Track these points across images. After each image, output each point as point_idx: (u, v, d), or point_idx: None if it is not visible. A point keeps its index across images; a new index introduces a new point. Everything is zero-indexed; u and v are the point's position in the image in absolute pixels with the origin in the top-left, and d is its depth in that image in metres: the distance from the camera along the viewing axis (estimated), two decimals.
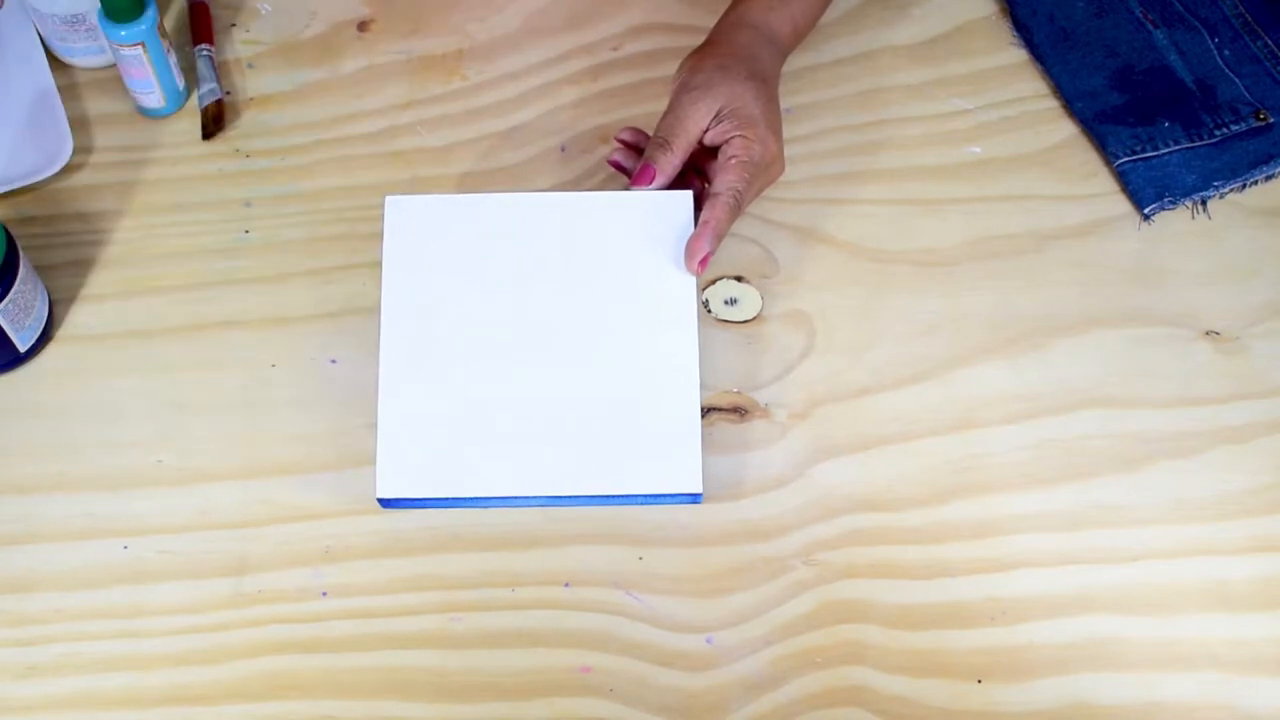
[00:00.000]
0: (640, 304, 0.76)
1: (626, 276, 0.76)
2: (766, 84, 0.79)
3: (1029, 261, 0.84)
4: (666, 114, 0.78)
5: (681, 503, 0.75)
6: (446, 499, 0.74)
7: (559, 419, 0.74)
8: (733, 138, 0.77)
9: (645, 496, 0.74)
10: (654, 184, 0.77)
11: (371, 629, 0.72)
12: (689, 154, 0.78)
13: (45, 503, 0.76)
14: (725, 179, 0.76)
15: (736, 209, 0.77)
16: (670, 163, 0.77)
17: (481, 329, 0.75)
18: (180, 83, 0.87)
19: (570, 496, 0.74)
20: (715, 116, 0.77)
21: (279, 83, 0.89)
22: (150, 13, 0.81)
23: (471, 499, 0.74)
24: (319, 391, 0.79)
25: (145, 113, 0.87)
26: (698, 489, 0.73)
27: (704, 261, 0.75)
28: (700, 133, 0.77)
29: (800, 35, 0.84)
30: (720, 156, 0.77)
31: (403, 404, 0.74)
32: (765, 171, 0.78)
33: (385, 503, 0.74)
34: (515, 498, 0.74)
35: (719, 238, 0.76)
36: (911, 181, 0.86)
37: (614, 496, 0.74)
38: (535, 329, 0.75)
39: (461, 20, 0.92)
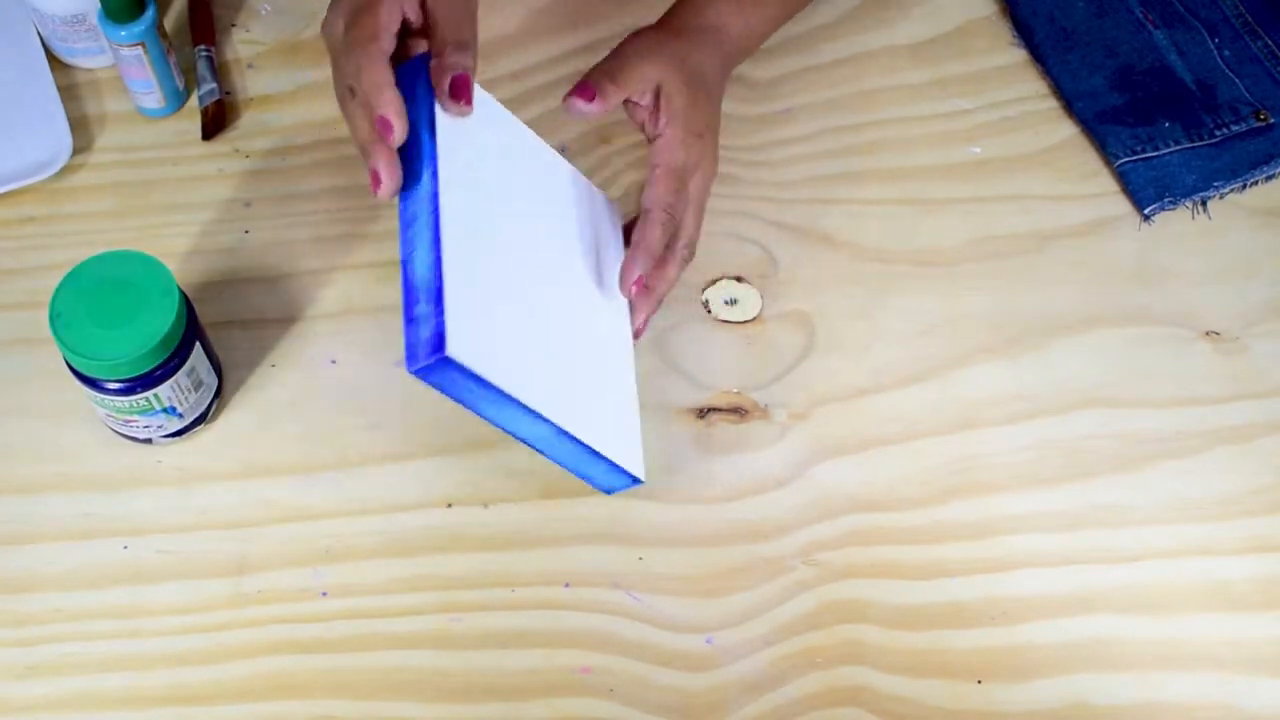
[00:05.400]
0: (608, 293, 0.74)
1: (600, 264, 0.75)
2: (705, 82, 0.77)
3: (1029, 261, 0.84)
4: (612, 57, 0.75)
5: (620, 484, 0.71)
6: (497, 392, 0.65)
7: (575, 359, 0.70)
8: (657, 138, 0.74)
9: (599, 460, 0.70)
10: (593, 106, 0.72)
11: (371, 629, 0.72)
12: (623, 99, 0.74)
13: (45, 503, 0.76)
14: (653, 193, 0.73)
15: (670, 224, 0.73)
16: (614, 97, 0.73)
17: (527, 236, 0.71)
18: (180, 83, 0.87)
19: (560, 435, 0.69)
20: (654, 90, 0.74)
21: (279, 83, 0.89)
22: (150, 13, 0.81)
23: (511, 403, 0.67)
24: (319, 391, 0.79)
25: (145, 113, 0.87)
26: (639, 474, 0.70)
27: (639, 283, 0.72)
28: (637, 93, 0.74)
29: (753, 37, 0.82)
30: (649, 163, 0.74)
31: (468, 273, 0.65)
32: (696, 173, 0.75)
33: (428, 370, 0.63)
34: (534, 416, 0.67)
35: (652, 258, 0.72)
36: (911, 181, 0.86)
37: (582, 447, 0.69)
38: (565, 264, 0.73)
39: None
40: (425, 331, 0.62)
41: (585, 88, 0.72)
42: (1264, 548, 0.75)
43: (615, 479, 0.73)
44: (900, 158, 0.87)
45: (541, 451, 0.70)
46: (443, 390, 0.64)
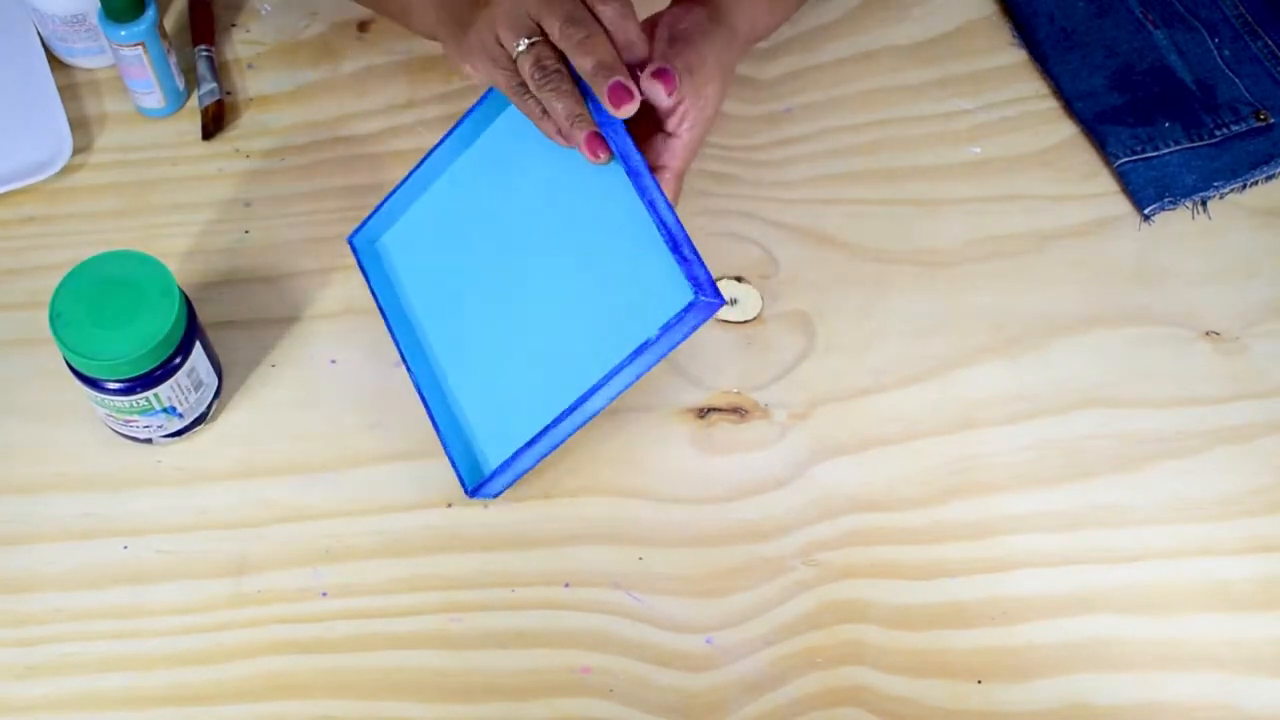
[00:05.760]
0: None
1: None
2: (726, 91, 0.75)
3: (1029, 261, 0.84)
4: (691, 50, 0.71)
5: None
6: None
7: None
8: (673, 139, 0.71)
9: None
10: (671, 100, 0.69)
11: (371, 629, 0.72)
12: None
13: (45, 503, 0.76)
14: (678, 153, 0.71)
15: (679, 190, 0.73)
16: (684, 92, 0.70)
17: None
18: (180, 83, 0.87)
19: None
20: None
21: (279, 83, 0.89)
22: (150, 13, 0.81)
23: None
24: (319, 391, 0.79)
25: (145, 113, 0.87)
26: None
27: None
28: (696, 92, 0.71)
29: (760, 39, 0.81)
30: (658, 159, 0.71)
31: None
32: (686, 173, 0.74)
33: (705, 307, 0.66)
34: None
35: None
36: (911, 181, 0.86)
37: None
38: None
39: None
40: (701, 274, 0.66)
41: (667, 76, 0.68)
42: (1264, 548, 0.75)
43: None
44: (900, 158, 0.87)
45: (554, 424, 0.70)
46: (671, 331, 0.66)
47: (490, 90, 0.75)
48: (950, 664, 0.72)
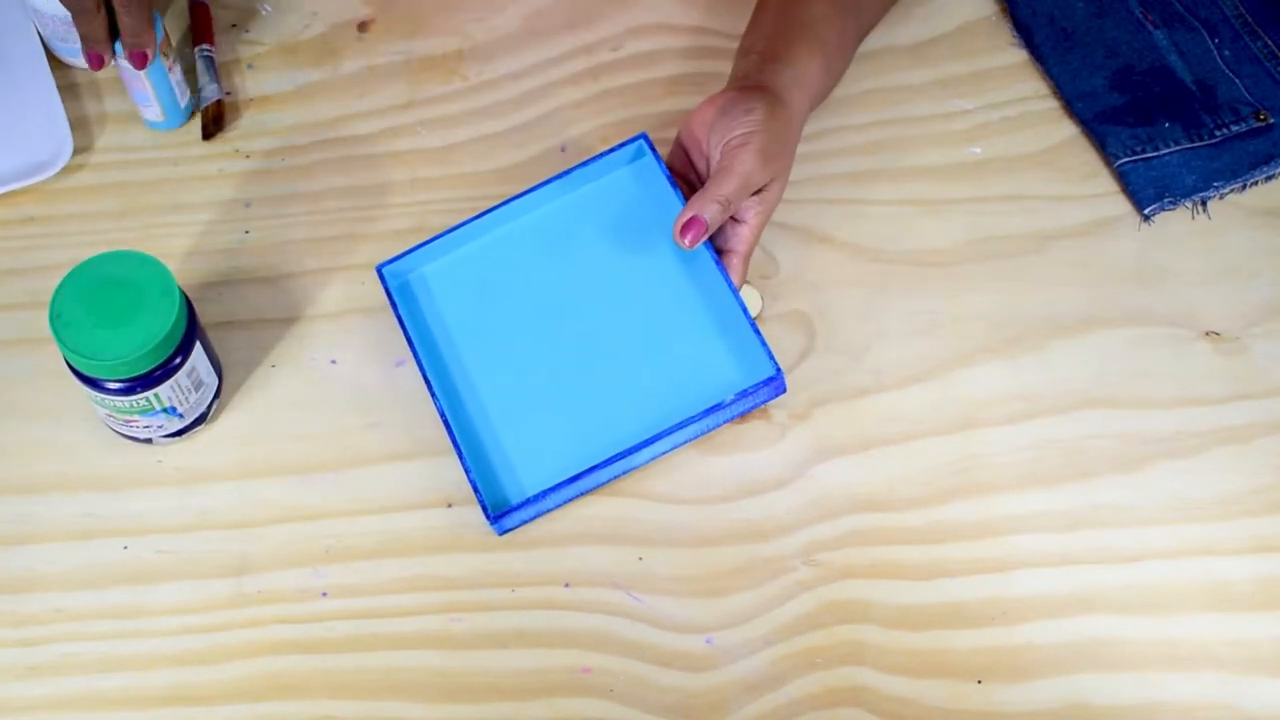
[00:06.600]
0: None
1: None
2: (788, 149, 0.78)
3: (1029, 261, 0.84)
4: (732, 179, 0.74)
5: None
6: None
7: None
8: (741, 225, 0.77)
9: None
10: (701, 240, 0.74)
11: (371, 629, 0.73)
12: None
13: (45, 503, 0.76)
14: (745, 238, 0.76)
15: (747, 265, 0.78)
16: (721, 221, 0.75)
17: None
18: (182, 100, 0.85)
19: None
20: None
21: (279, 83, 0.89)
22: (154, 29, 0.80)
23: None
24: (319, 391, 0.79)
25: (146, 125, 0.87)
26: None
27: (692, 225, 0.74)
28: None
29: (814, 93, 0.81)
30: (742, 209, 0.76)
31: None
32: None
33: (781, 386, 0.75)
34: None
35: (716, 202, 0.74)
36: (911, 181, 0.86)
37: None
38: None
39: (461, 20, 0.92)
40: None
41: (697, 225, 0.74)
42: (1264, 548, 0.75)
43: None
44: (900, 158, 0.87)
45: (598, 467, 0.73)
46: (744, 398, 0.74)
47: (568, 170, 0.80)
48: (950, 664, 0.72)
